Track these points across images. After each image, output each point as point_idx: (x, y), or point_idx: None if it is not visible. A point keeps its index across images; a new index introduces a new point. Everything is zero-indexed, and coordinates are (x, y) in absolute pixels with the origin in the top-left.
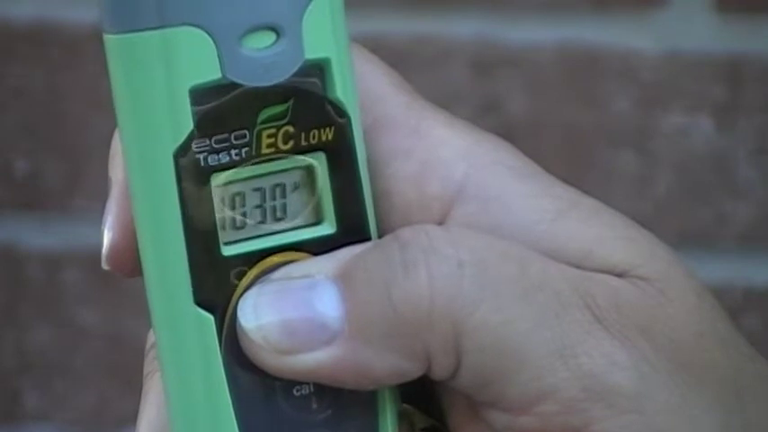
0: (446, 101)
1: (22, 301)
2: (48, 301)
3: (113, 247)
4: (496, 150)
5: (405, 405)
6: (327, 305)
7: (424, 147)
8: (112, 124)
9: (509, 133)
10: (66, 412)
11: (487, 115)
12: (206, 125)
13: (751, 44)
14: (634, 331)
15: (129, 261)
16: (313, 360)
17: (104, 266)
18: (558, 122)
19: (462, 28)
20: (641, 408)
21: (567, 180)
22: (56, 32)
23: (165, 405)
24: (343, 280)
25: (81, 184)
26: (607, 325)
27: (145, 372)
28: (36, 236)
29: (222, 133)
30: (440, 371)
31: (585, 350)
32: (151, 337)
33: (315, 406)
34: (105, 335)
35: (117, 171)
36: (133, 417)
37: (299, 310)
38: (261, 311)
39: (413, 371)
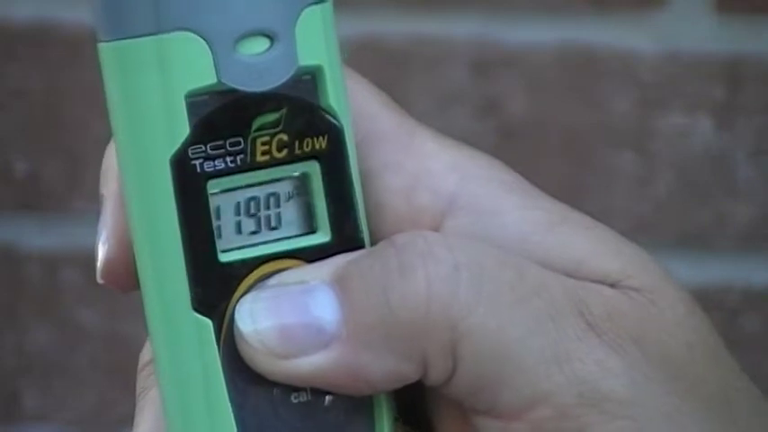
0: (446, 101)
1: (21, 301)
2: (47, 301)
3: (108, 261)
4: (487, 165)
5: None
6: (324, 309)
7: (414, 160)
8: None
9: (509, 133)
10: (65, 412)
11: (487, 115)
12: (202, 131)
13: (751, 44)
14: (626, 340)
15: (125, 275)
16: (310, 364)
17: (99, 281)
18: (558, 122)
19: (462, 28)
20: (634, 414)
21: (566, 180)
22: (56, 32)
23: (160, 419)
24: (339, 284)
25: (81, 185)
26: (600, 333)
27: (138, 389)
28: (36, 236)
29: (218, 140)
30: (436, 374)
31: (579, 356)
32: (144, 356)
33: (312, 413)
34: (105, 335)
35: (110, 185)
36: (132, 417)
37: (296, 315)
38: (257, 316)
39: (410, 374)
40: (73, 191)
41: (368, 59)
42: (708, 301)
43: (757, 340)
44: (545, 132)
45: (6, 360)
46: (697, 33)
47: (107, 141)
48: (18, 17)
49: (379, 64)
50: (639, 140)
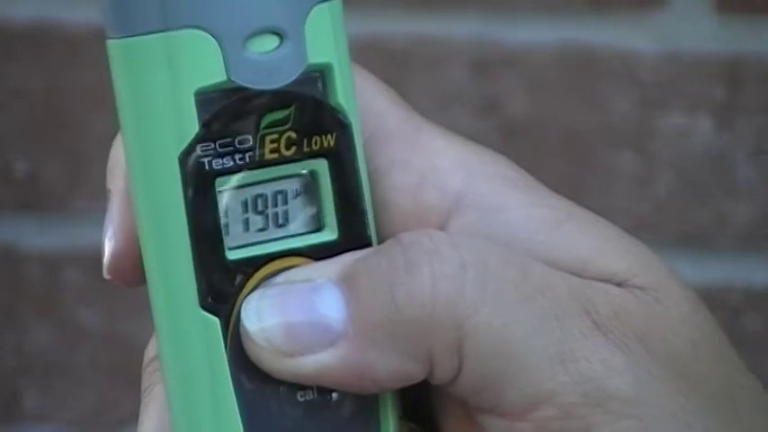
0: (446, 101)
1: (21, 301)
2: (47, 301)
3: (115, 257)
4: (493, 162)
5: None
6: (330, 307)
7: (421, 157)
8: (113, 124)
9: (509, 133)
10: (65, 412)
11: (487, 115)
12: (211, 128)
13: (751, 44)
14: (632, 338)
15: (131, 270)
16: (316, 362)
17: (106, 276)
18: (558, 122)
19: (462, 28)
20: (639, 413)
21: (566, 180)
22: (56, 32)
23: (165, 415)
24: (346, 282)
25: (81, 185)
26: (605, 331)
27: (143, 386)
28: (36, 236)
29: (226, 137)
30: (441, 373)
31: (584, 355)
32: (149, 352)
33: (318, 411)
34: (105, 335)
35: (117, 181)
36: (133, 417)
37: (302, 313)
38: (264, 314)
39: (416, 373)
40: (73, 191)
41: (368, 59)
42: (709, 301)
43: (759, 340)
44: (545, 132)
45: (6, 360)
46: (697, 33)
47: (107, 141)
48: (18, 17)
49: (380, 64)
50: (639, 140)
